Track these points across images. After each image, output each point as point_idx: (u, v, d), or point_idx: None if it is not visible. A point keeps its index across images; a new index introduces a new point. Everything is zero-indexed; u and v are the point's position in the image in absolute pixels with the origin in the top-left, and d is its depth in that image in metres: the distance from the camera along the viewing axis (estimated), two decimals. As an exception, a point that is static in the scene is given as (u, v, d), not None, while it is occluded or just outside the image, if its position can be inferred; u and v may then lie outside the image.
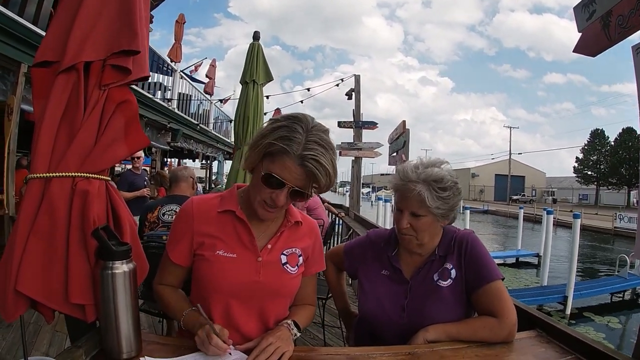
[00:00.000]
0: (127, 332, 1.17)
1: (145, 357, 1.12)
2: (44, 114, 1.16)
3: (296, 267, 1.48)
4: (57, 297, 1.18)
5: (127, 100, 1.28)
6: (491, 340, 1.46)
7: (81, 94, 1.18)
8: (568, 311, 10.34)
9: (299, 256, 1.50)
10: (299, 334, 1.42)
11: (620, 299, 12.15)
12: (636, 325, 10.11)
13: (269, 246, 1.43)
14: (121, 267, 1.15)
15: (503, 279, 1.56)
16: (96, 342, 1.21)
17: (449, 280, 1.57)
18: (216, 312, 1.38)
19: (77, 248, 1.18)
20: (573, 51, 1.73)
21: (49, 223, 1.15)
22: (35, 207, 1.16)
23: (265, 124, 1.37)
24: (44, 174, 1.16)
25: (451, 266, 1.59)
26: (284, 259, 1.45)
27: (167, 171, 8.83)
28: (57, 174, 1.16)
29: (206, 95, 16.19)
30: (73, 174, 1.17)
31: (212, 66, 17.51)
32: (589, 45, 1.67)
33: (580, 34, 1.70)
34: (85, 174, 1.19)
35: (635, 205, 41.31)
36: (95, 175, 1.22)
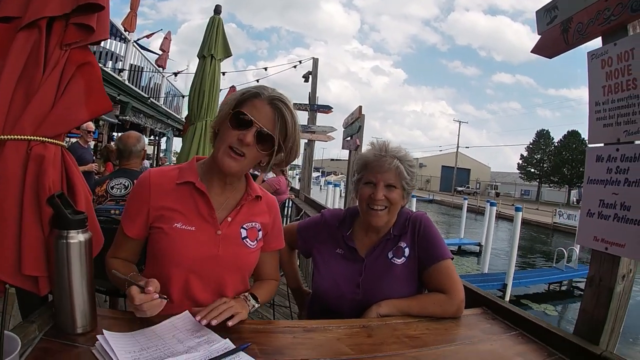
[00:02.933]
0: (82, 305, 1.12)
1: (104, 330, 1.08)
2: (1, 72, 1.09)
3: (255, 241, 1.47)
4: (7, 269, 1.12)
5: (88, 62, 1.22)
6: (440, 315, 1.55)
7: (41, 53, 1.11)
8: (507, 298, 10.77)
9: (259, 231, 1.49)
10: (257, 305, 1.43)
11: (557, 289, 12.90)
12: (571, 313, 10.77)
13: (229, 219, 1.42)
14: (77, 237, 1.09)
15: (452, 259, 1.66)
16: (49, 316, 1.15)
17: (403, 258, 1.65)
18: (174, 286, 1.35)
19: (30, 216, 1.12)
20: (531, 51, 1.81)
21: (1, 189, 1.09)
22: (-15, 171, 1.09)
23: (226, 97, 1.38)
24: (-2, 136, 1.08)
25: (405, 245, 1.66)
26: (243, 232, 1.44)
27: (113, 145, 8.50)
28: (12, 136, 1.09)
29: (159, 68, 15.61)
30: (29, 137, 1.11)
31: (167, 39, 16.87)
32: (547, 47, 1.75)
33: (540, 36, 1.78)
34: (41, 138, 1.13)
35: (575, 203, 43.84)
36: (52, 140, 1.15)
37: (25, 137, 1.11)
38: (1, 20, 1.13)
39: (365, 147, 1.80)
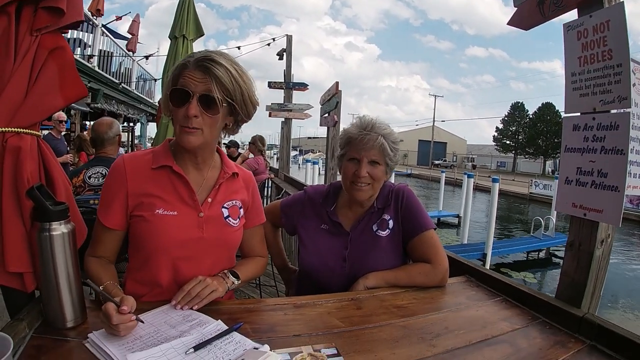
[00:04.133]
0: (70, 298, 1.10)
1: (93, 332, 1.06)
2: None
3: (237, 219, 1.47)
4: (-10, 267, 1.09)
5: (60, 47, 1.18)
6: (426, 285, 1.60)
7: (12, 41, 1.07)
8: (487, 266, 11.11)
9: (240, 208, 1.49)
10: (236, 282, 1.42)
11: (536, 257, 13.31)
12: (550, 280, 11.16)
13: (209, 200, 1.40)
14: (59, 228, 1.07)
15: (435, 229, 1.70)
16: (38, 312, 1.13)
17: (387, 230, 1.68)
18: (162, 273, 1.34)
19: (11, 211, 1.09)
20: (507, 23, 1.82)
21: (-24, 184, 1.05)
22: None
23: None
24: (-31, 130, 1.04)
25: (389, 217, 1.69)
26: (225, 212, 1.44)
27: (86, 134, 8.27)
28: (-16, 128, 1.05)
29: (128, 53, 15.18)
30: (3, 129, 1.07)
31: (135, 22, 16.34)
32: (523, 19, 1.76)
33: (516, 8, 1.79)
34: (16, 129, 1.09)
35: (550, 174, 44.71)
36: (27, 130, 1.12)
37: (0, 129, 1.07)
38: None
39: (348, 123, 1.79)
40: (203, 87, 1.23)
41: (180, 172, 1.36)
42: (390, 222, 1.69)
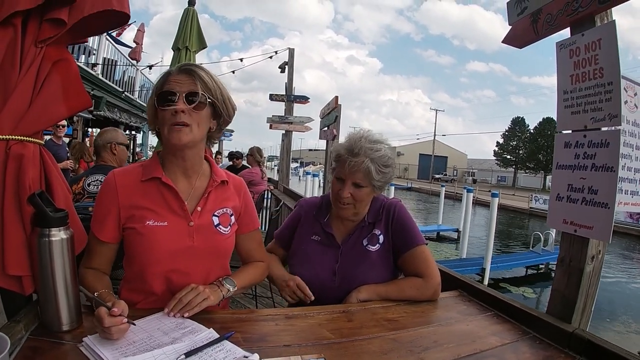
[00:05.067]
0: (67, 302, 1.12)
1: (88, 336, 1.08)
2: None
3: (229, 226, 1.49)
4: (-9, 270, 1.11)
5: (64, 58, 1.21)
6: (418, 299, 1.61)
7: (17, 52, 1.10)
8: (485, 282, 11.02)
9: (231, 215, 1.51)
10: (232, 290, 1.43)
11: (535, 272, 13.15)
12: (549, 295, 11.01)
13: (199, 209, 1.43)
14: (58, 234, 1.10)
15: (427, 244, 1.71)
16: (35, 315, 1.15)
17: (377, 245, 1.69)
18: (155, 283, 1.36)
19: (12, 216, 1.12)
20: (502, 42, 1.86)
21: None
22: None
23: None
24: (-25, 137, 1.07)
25: (379, 232, 1.71)
26: (215, 220, 1.46)
27: (87, 142, 8.31)
28: (-11, 136, 1.08)
29: (132, 61, 15.30)
30: (7, 137, 1.10)
31: (140, 31, 16.54)
32: (517, 38, 1.81)
33: (511, 27, 1.83)
34: (19, 137, 1.12)
35: (550, 189, 44.62)
36: (30, 139, 1.15)
37: (4, 136, 1.10)
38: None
39: (343, 137, 1.81)
40: (188, 87, 1.33)
41: (169, 182, 1.39)
42: (381, 237, 1.70)
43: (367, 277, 1.65)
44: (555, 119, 1.56)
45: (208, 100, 1.35)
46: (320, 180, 14.91)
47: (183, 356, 1.03)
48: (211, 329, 1.19)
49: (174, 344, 1.08)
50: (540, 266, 13.26)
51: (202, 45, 5.17)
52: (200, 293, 1.30)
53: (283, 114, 8.87)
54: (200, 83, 1.33)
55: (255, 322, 1.39)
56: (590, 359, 1.21)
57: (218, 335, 1.15)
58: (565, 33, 1.55)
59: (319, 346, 1.19)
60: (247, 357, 1.07)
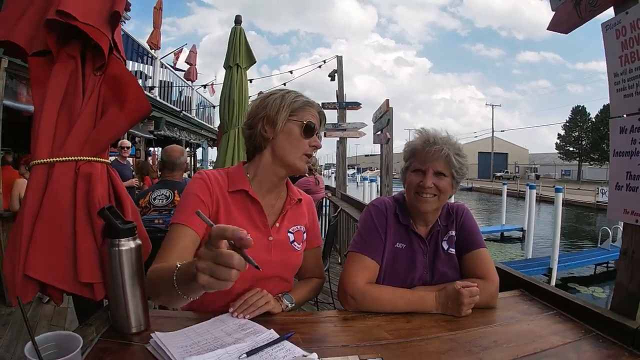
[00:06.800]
0: (135, 306, 1.20)
1: (155, 332, 1.15)
2: (43, 103, 1.19)
3: (301, 243, 1.56)
4: (66, 278, 1.23)
5: (118, 73, 1.31)
6: (478, 304, 1.51)
7: (79, 81, 1.21)
8: (553, 282, 10.48)
9: (304, 233, 1.57)
10: (290, 306, 1.47)
11: (605, 270, 12.36)
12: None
13: (277, 224, 1.49)
14: (127, 244, 1.17)
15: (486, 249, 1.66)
16: (106, 319, 1.25)
17: (454, 246, 1.67)
18: (222, 293, 1.40)
19: (84, 229, 1.22)
20: (547, 29, 1.78)
21: (54, 206, 1.19)
22: (40, 191, 1.20)
23: (260, 101, 1.48)
24: (47, 159, 1.19)
25: (454, 233, 1.68)
26: (291, 237, 1.52)
27: (150, 159, 8.75)
28: (60, 158, 1.20)
29: (187, 82, 15.98)
30: (75, 157, 1.21)
31: (193, 52, 17.23)
32: (562, 23, 1.72)
33: (554, 12, 1.76)
34: (87, 158, 1.23)
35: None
36: (98, 159, 1.26)
37: (72, 157, 1.21)
38: (37, 53, 1.23)
39: (406, 138, 1.80)
40: (319, 126, 1.56)
41: (256, 197, 1.45)
42: (455, 239, 1.68)
43: (453, 277, 1.61)
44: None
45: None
46: (377, 185, 14.83)
47: (245, 355, 1.07)
48: (272, 330, 1.23)
49: (237, 344, 1.13)
50: (610, 263, 12.40)
51: (251, 61, 5.32)
52: (264, 296, 1.36)
53: (336, 121, 8.92)
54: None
55: (315, 324, 1.41)
56: (657, 357, 1.14)
57: (278, 336, 1.20)
58: (610, 13, 1.47)
59: (376, 346, 1.20)
60: (306, 356, 1.10)
